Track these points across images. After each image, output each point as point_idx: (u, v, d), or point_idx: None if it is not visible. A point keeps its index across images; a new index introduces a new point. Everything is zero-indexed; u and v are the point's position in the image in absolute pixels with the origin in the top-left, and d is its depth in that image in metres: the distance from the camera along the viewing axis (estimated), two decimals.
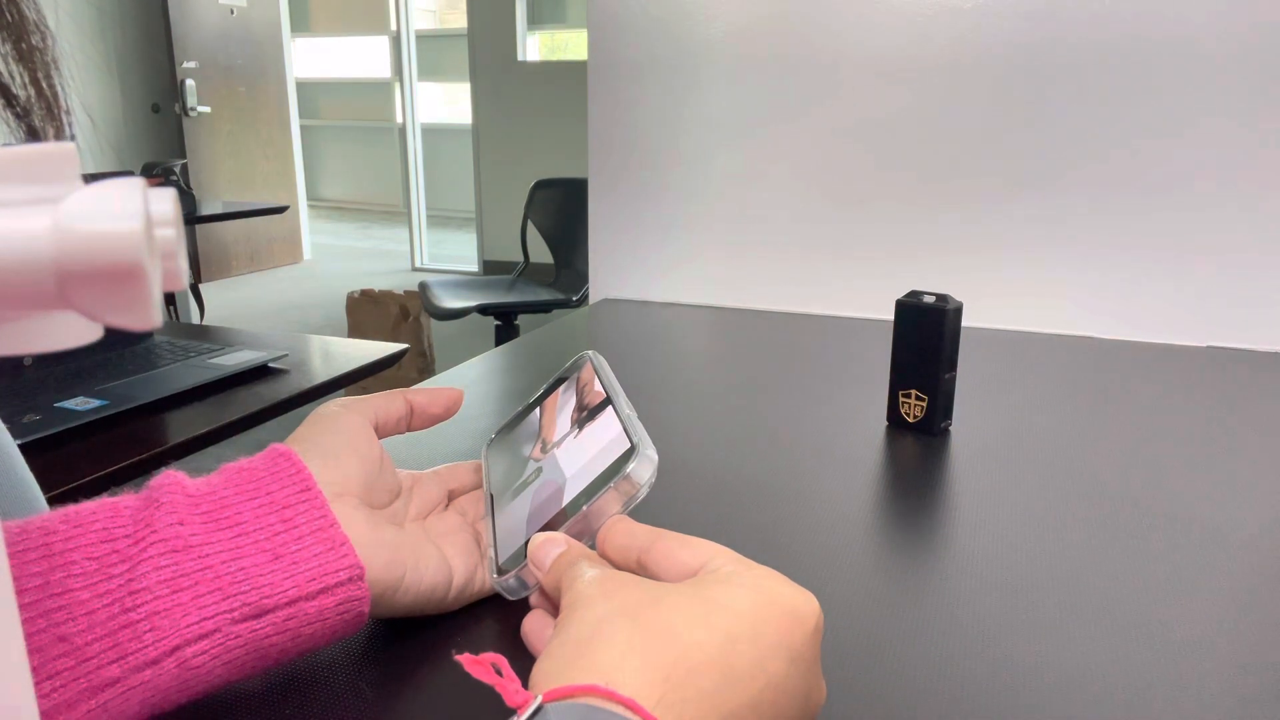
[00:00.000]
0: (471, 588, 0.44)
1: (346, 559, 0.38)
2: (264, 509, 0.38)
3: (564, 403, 0.51)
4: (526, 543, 0.40)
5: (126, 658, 0.33)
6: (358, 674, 0.41)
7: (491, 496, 0.48)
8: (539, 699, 0.28)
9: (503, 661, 0.31)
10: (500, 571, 0.42)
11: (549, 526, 0.41)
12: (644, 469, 0.40)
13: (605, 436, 0.43)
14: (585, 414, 0.47)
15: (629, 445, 0.41)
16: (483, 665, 0.31)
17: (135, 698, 0.34)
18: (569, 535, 0.40)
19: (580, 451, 0.44)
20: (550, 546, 0.38)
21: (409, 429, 0.48)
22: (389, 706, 0.39)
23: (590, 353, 0.53)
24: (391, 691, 0.40)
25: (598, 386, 0.48)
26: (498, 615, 0.45)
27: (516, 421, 0.54)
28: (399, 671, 0.41)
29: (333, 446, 0.42)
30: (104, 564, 0.34)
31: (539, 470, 0.46)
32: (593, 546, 0.40)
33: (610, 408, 0.45)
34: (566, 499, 0.42)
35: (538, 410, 0.53)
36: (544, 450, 0.48)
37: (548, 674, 0.30)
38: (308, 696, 0.40)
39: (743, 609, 0.31)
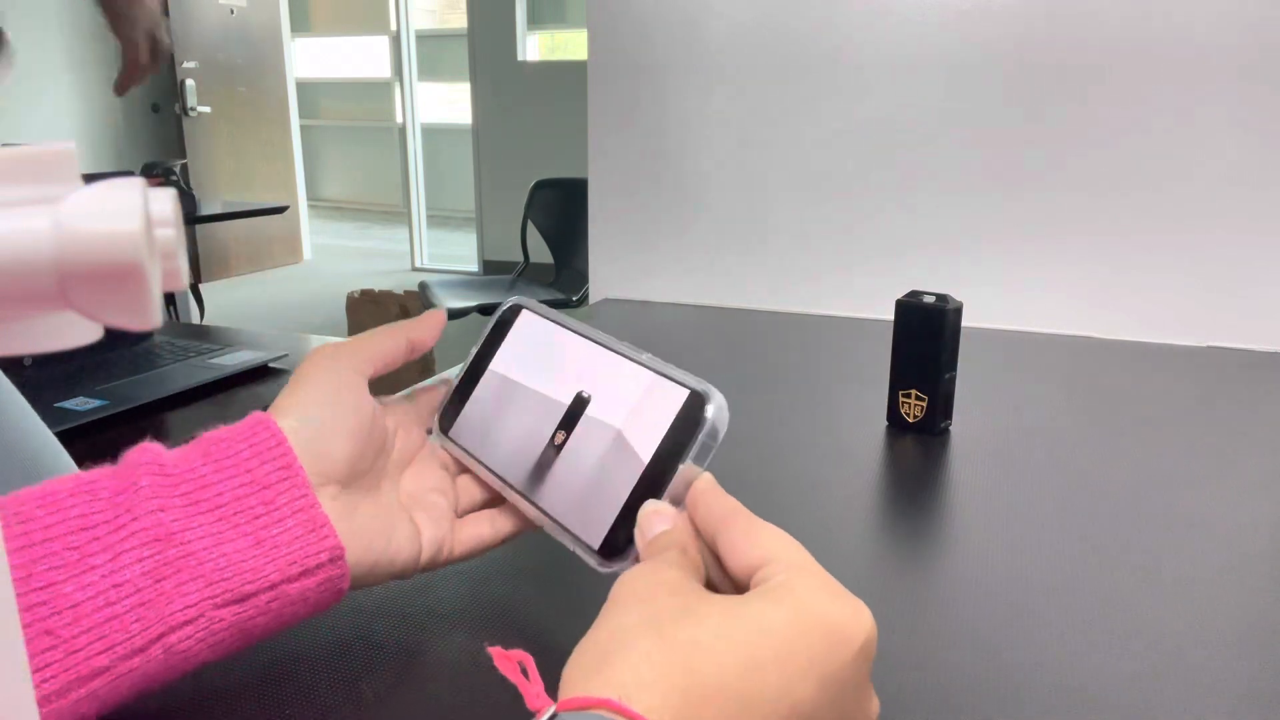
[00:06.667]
0: (438, 560, 0.44)
1: (328, 540, 0.39)
2: (244, 488, 0.38)
3: (528, 360, 0.46)
4: (619, 518, 0.37)
5: (114, 648, 0.34)
6: (358, 674, 0.41)
7: (505, 480, 0.43)
8: (553, 708, 0.27)
9: (529, 661, 0.30)
10: (605, 556, 0.38)
11: (641, 491, 0.38)
12: (720, 417, 0.38)
13: (635, 386, 0.40)
14: (581, 365, 0.44)
15: (687, 391, 0.38)
16: (510, 662, 0.30)
17: (124, 684, 0.35)
18: (671, 499, 0.37)
19: (613, 409, 0.41)
20: (657, 521, 0.36)
21: (404, 363, 0.47)
22: (389, 706, 0.39)
23: (517, 299, 0.49)
24: (391, 692, 0.40)
25: (569, 334, 0.45)
26: (499, 616, 0.45)
27: (463, 396, 0.48)
28: (399, 672, 0.41)
29: (320, 420, 0.41)
30: (85, 553, 0.34)
31: (562, 440, 0.42)
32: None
33: (609, 352, 0.43)
34: (643, 456, 0.38)
35: (490, 379, 0.47)
36: (552, 415, 0.43)
37: (573, 678, 0.29)
38: (308, 696, 0.40)
39: (775, 630, 0.29)
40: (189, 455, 0.38)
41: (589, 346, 0.44)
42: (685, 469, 0.37)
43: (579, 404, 0.42)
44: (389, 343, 0.45)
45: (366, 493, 0.43)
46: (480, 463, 0.45)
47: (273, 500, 0.38)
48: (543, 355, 0.46)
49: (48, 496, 0.35)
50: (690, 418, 0.38)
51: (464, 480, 0.47)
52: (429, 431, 0.48)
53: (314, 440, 0.40)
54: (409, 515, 0.44)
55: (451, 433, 0.47)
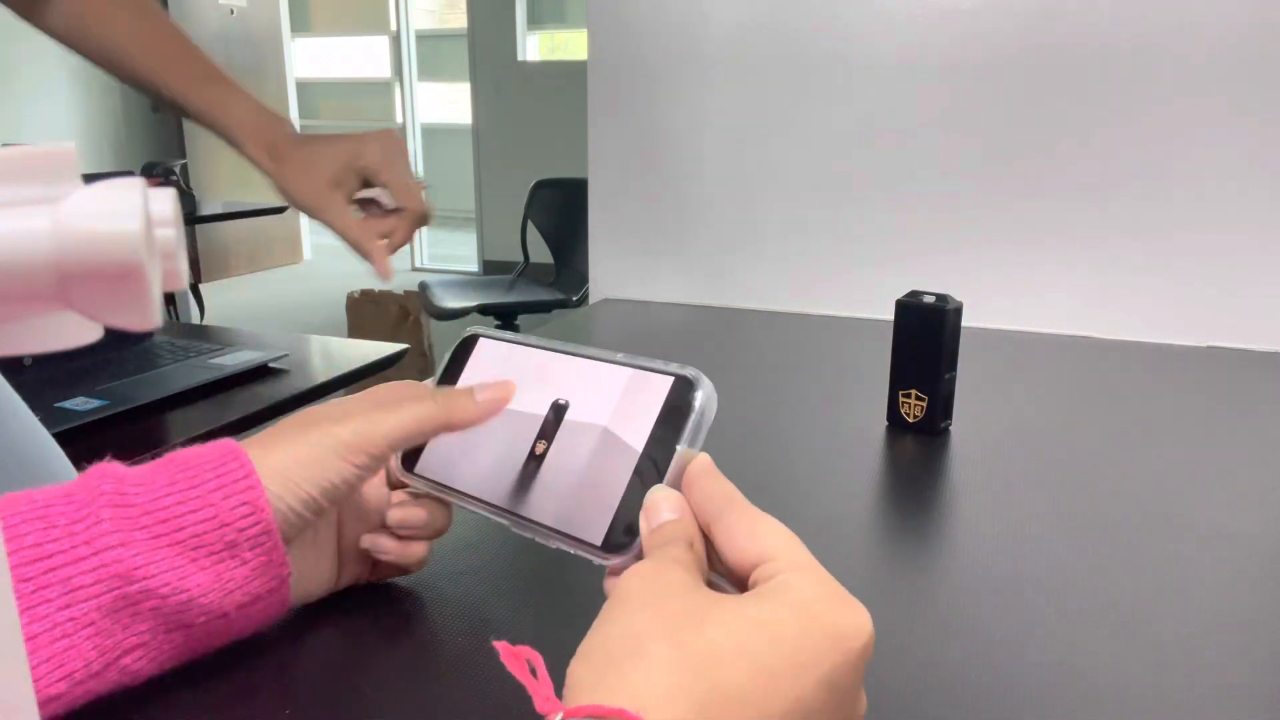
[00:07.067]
0: (343, 583, 0.46)
1: (283, 569, 0.39)
2: (207, 524, 0.37)
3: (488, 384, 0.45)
4: (619, 510, 0.37)
5: (72, 674, 0.34)
6: (358, 674, 0.41)
7: (485, 501, 0.42)
8: (561, 713, 0.27)
9: (538, 659, 0.30)
10: (609, 550, 0.37)
11: (638, 480, 0.37)
12: (711, 400, 0.38)
13: (613, 384, 0.40)
14: (552, 376, 0.43)
15: (671, 378, 0.38)
16: (518, 660, 0.30)
17: (78, 703, 0.35)
18: (671, 485, 0.36)
19: (594, 409, 0.40)
20: (665, 508, 0.35)
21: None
22: (388, 706, 0.39)
23: (472, 329, 0.48)
24: (391, 691, 0.40)
25: (533, 351, 0.45)
26: (501, 614, 0.45)
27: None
28: (399, 671, 0.41)
29: (310, 499, 0.40)
30: (39, 585, 0.34)
31: (543, 449, 0.41)
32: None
33: (579, 358, 0.42)
34: (635, 446, 0.38)
35: None
36: (529, 428, 0.42)
37: (581, 680, 0.28)
38: (307, 697, 0.40)
39: (785, 637, 0.29)
40: (154, 480, 0.37)
41: (557, 358, 0.43)
42: (682, 453, 0.37)
43: (557, 412, 0.42)
44: (415, 427, 0.41)
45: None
46: (454, 490, 0.44)
47: (235, 539, 0.38)
48: (508, 376, 0.45)
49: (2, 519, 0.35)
50: (678, 403, 0.38)
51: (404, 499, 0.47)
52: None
53: (291, 518, 0.39)
54: (335, 559, 0.45)
55: (418, 468, 0.45)
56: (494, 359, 0.46)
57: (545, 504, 0.40)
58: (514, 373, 0.44)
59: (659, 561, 0.33)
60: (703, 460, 0.36)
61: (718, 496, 0.35)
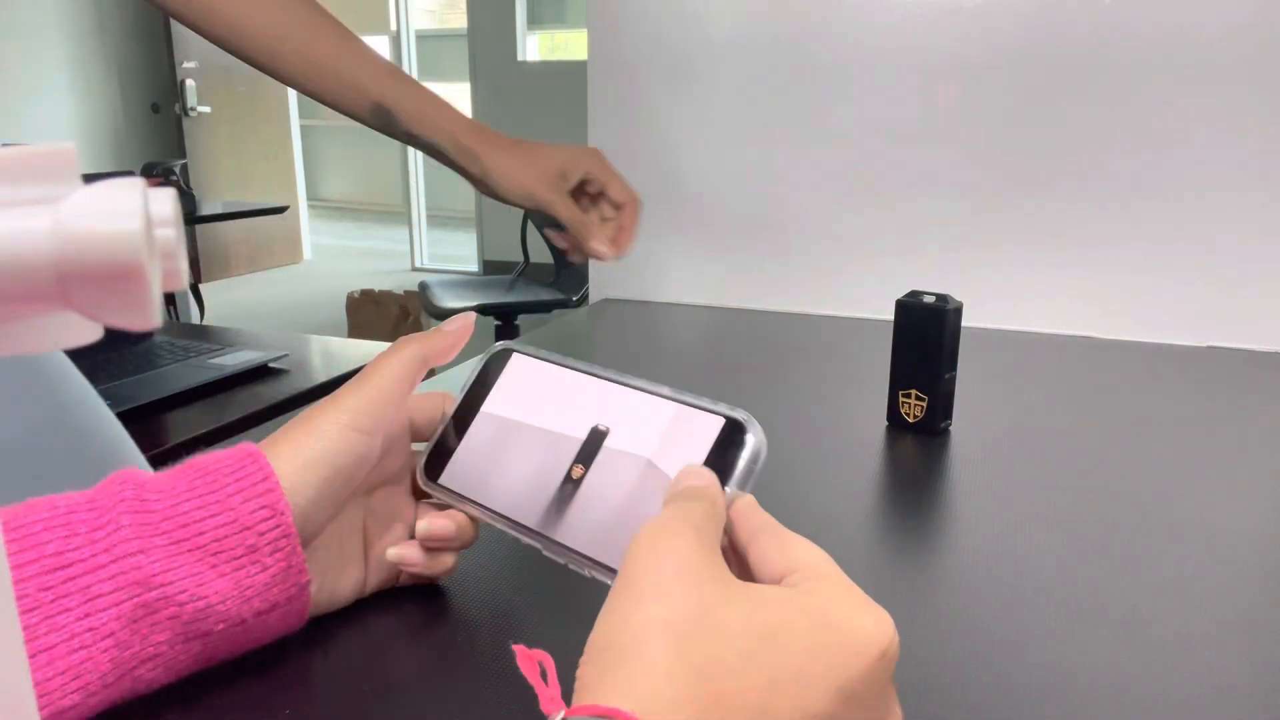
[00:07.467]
0: (370, 590, 0.46)
1: (301, 576, 0.39)
2: (227, 528, 0.37)
3: (528, 401, 0.44)
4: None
5: (86, 686, 0.34)
6: (357, 674, 0.41)
7: (514, 521, 0.41)
8: (562, 712, 0.27)
9: (549, 663, 0.30)
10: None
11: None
12: (762, 445, 0.37)
13: (657, 417, 0.40)
14: (591, 400, 0.42)
15: (723, 420, 0.38)
16: (530, 662, 0.30)
17: (90, 714, 0.35)
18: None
19: (636, 440, 0.40)
20: (692, 480, 0.35)
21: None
22: (388, 706, 0.39)
23: (503, 343, 0.48)
24: (390, 692, 0.40)
25: (571, 373, 0.44)
26: (504, 613, 0.45)
27: (452, 442, 0.46)
28: (398, 671, 0.41)
29: (307, 501, 0.40)
30: (58, 594, 0.34)
31: (580, 473, 0.41)
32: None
33: (622, 386, 0.42)
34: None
35: (485, 421, 0.45)
36: (566, 450, 0.42)
37: (588, 681, 0.29)
38: (306, 696, 0.40)
39: (795, 645, 0.29)
40: (174, 486, 0.37)
41: (597, 382, 0.43)
42: (730, 495, 0.36)
43: (596, 437, 0.41)
44: (401, 373, 0.43)
45: (331, 525, 0.43)
46: (481, 505, 0.43)
47: (255, 543, 0.38)
48: (545, 394, 0.44)
49: (21, 528, 0.34)
50: (729, 444, 0.37)
51: (429, 508, 0.46)
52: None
53: (310, 503, 0.39)
54: (362, 560, 0.45)
55: (443, 479, 0.45)
56: (529, 377, 0.45)
57: (580, 529, 0.39)
58: (552, 392, 0.44)
59: (670, 524, 0.32)
60: (747, 499, 0.36)
61: (758, 521, 0.35)
